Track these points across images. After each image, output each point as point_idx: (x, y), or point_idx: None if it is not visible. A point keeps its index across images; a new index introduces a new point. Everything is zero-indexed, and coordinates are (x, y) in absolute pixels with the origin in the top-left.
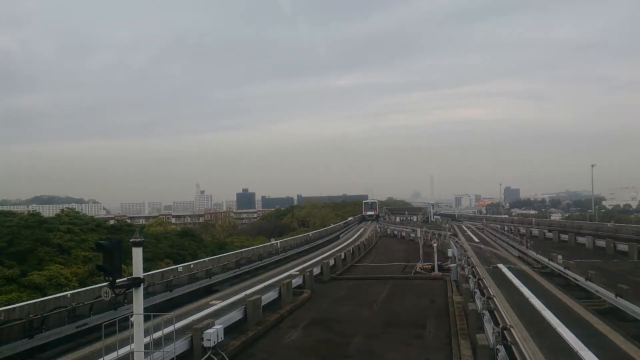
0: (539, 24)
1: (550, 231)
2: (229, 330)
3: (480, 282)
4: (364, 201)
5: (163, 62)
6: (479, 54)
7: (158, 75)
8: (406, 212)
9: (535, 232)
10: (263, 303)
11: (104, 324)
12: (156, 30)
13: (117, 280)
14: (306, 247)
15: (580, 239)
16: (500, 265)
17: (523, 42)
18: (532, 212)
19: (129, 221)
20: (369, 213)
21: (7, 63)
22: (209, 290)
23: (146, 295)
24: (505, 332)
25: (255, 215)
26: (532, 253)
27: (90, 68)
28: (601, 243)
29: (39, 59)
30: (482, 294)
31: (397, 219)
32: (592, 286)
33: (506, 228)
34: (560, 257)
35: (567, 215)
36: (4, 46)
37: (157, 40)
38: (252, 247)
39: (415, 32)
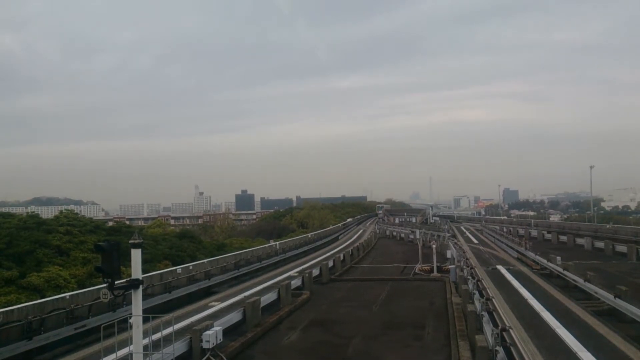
0: (540, 26)
1: (549, 232)
2: (228, 332)
3: (479, 283)
4: (377, 204)
5: (163, 65)
6: (480, 56)
7: (158, 78)
8: (405, 214)
9: (534, 233)
10: (262, 304)
11: (102, 326)
12: (157, 34)
13: (116, 282)
14: (305, 248)
15: (579, 240)
16: (499, 267)
17: (524, 44)
18: (531, 213)
19: (127, 222)
20: (379, 212)
21: (9, 64)
22: (207, 292)
23: (145, 296)
24: (504, 333)
25: (254, 216)
26: (531, 254)
27: (90, 70)
28: (600, 244)
29: (40, 60)
30: (481, 295)
31: (396, 220)
32: (590, 287)
33: (505, 229)
34: (559, 258)
35: (565, 216)
36: (6, 47)
37: (157, 43)
38: (251, 249)
39: (416, 34)
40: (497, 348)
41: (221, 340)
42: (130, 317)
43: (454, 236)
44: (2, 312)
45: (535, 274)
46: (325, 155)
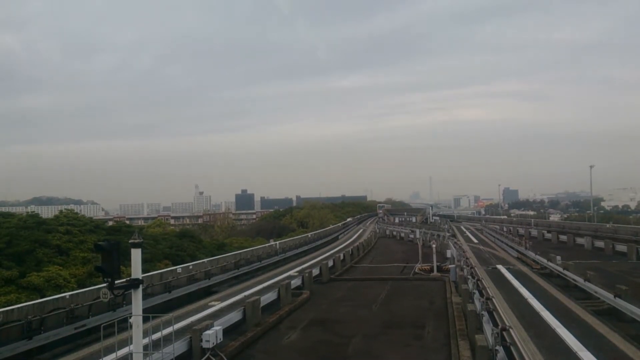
0: (540, 26)
1: (549, 232)
2: (228, 332)
3: (479, 282)
4: (377, 204)
5: (163, 65)
6: (480, 55)
7: (158, 77)
8: (405, 213)
9: (534, 232)
10: (262, 304)
11: (102, 325)
12: (157, 34)
13: (116, 282)
14: (305, 248)
15: (579, 240)
16: (499, 266)
17: (524, 44)
18: (531, 212)
19: (127, 222)
20: (379, 211)
21: (9, 64)
22: (208, 292)
23: (145, 296)
24: (504, 332)
25: (254, 216)
26: (531, 254)
27: (91, 70)
28: (600, 244)
29: (40, 60)
30: (481, 295)
31: (396, 220)
32: (590, 287)
33: (505, 229)
34: (559, 257)
35: (565, 216)
36: (6, 47)
37: (157, 43)
38: (251, 248)
39: (417, 33)
40: (497, 347)
41: (221, 339)
42: (130, 317)
43: (454, 236)
44: (2, 311)
45: (535, 273)
46: (325, 155)
